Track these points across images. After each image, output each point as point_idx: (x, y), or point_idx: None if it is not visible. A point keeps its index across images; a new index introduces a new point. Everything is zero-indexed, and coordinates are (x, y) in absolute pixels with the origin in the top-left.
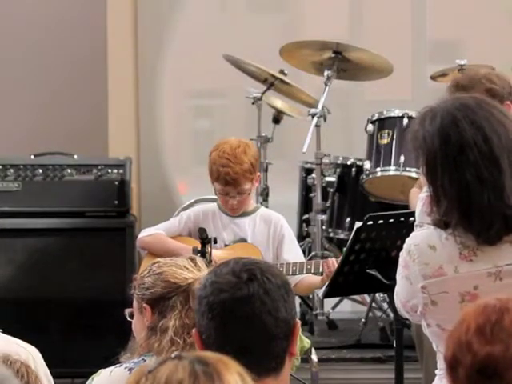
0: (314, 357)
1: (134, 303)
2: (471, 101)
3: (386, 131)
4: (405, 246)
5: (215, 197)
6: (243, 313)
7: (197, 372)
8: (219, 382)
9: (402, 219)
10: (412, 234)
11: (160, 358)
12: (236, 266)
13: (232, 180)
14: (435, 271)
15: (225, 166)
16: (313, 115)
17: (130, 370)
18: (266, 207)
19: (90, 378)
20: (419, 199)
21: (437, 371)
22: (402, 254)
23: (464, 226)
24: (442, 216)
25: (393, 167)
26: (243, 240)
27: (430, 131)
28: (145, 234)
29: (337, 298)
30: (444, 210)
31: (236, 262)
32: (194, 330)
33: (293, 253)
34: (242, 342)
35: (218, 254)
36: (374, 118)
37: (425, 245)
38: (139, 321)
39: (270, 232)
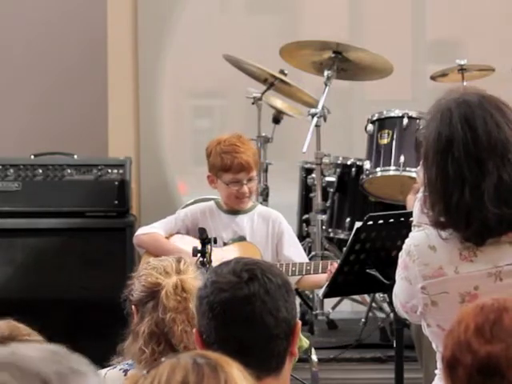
0: (314, 357)
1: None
2: (475, 98)
3: (386, 131)
4: (404, 246)
5: (215, 197)
6: (244, 312)
7: (200, 364)
8: (223, 374)
9: (402, 219)
10: (411, 235)
11: (161, 356)
12: (236, 266)
13: (246, 164)
14: (435, 272)
15: (237, 152)
16: (313, 115)
17: (124, 371)
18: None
19: None
20: (417, 199)
21: (436, 371)
22: (402, 255)
23: (449, 223)
24: (429, 210)
25: (393, 167)
26: (242, 238)
27: (430, 125)
28: (141, 232)
29: (337, 298)
30: (430, 205)
31: (237, 262)
32: (194, 330)
33: (293, 248)
34: (242, 341)
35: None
36: (374, 118)
37: (425, 245)
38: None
39: (269, 229)
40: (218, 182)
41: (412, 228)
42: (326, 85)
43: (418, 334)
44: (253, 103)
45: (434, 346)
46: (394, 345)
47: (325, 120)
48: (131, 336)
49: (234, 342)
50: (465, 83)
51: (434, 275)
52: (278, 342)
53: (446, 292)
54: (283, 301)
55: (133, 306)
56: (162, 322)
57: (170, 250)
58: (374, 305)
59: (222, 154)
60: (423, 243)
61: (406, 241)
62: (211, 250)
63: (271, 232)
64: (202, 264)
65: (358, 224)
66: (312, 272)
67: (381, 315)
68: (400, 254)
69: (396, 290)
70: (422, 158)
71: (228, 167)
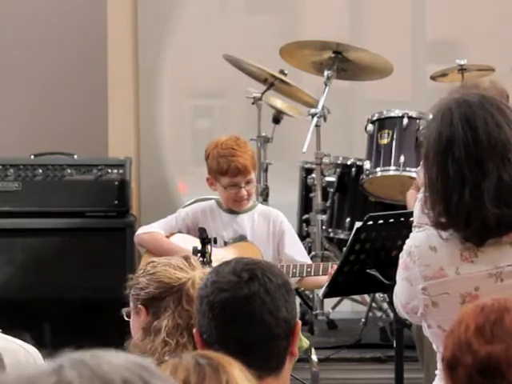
0: (314, 357)
1: (131, 303)
2: (475, 99)
3: (386, 131)
4: (405, 247)
5: (215, 197)
6: (244, 312)
7: (201, 364)
8: (225, 375)
9: (402, 219)
10: (412, 236)
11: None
12: (237, 266)
13: (243, 168)
14: (436, 272)
15: (233, 156)
16: (313, 115)
17: None
18: None
19: None
20: (417, 199)
21: (437, 371)
22: (402, 256)
23: (449, 223)
24: (429, 211)
25: (393, 167)
26: (243, 237)
27: (431, 125)
28: (143, 231)
29: (337, 298)
30: (431, 205)
31: (237, 262)
32: (194, 330)
33: (294, 247)
34: (243, 341)
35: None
36: (374, 118)
37: (425, 246)
38: (135, 321)
39: (270, 228)
40: (217, 184)
41: (412, 228)
42: (326, 85)
43: (419, 335)
44: (253, 103)
45: (434, 346)
46: (394, 345)
47: (325, 120)
48: (142, 333)
49: (234, 342)
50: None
51: (435, 276)
52: (278, 342)
53: (446, 293)
54: (283, 301)
55: (140, 305)
56: (187, 314)
57: (171, 250)
58: (373, 305)
59: (218, 158)
60: (424, 244)
61: (407, 241)
62: (211, 249)
63: (272, 231)
64: (202, 264)
65: (357, 224)
66: (312, 274)
67: (381, 315)
68: (401, 254)
69: (397, 290)
70: (422, 158)
71: (225, 171)
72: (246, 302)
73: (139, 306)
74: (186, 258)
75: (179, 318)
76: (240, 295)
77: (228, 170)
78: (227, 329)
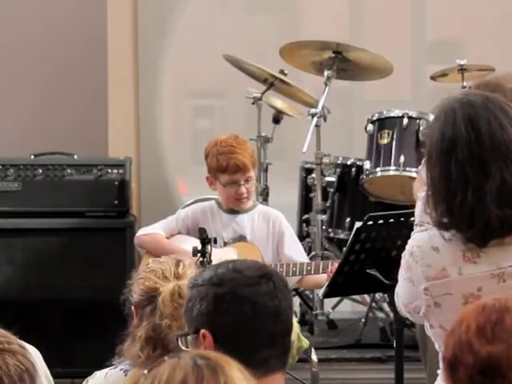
0: (314, 357)
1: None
2: (479, 99)
3: (386, 131)
4: (407, 247)
5: (215, 197)
6: (271, 305)
7: (200, 366)
8: (223, 376)
9: (402, 219)
10: (414, 236)
11: (158, 360)
12: (252, 264)
13: (242, 165)
14: (438, 273)
15: (232, 153)
16: (313, 115)
17: (125, 371)
18: None
19: (85, 381)
20: (419, 198)
21: (438, 371)
22: (405, 256)
23: (452, 224)
24: (432, 211)
25: (393, 167)
26: (242, 237)
27: (434, 125)
28: (142, 233)
29: (337, 298)
30: (433, 205)
31: (246, 261)
32: (203, 331)
33: (294, 248)
34: (266, 335)
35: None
36: (374, 118)
37: (428, 246)
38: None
39: (270, 229)
40: (217, 183)
41: (414, 227)
42: (326, 85)
43: (422, 335)
44: (253, 103)
45: (436, 346)
46: (394, 345)
47: (325, 120)
48: (130, 338)
49: (257, 337)
50: (465, 83)
51: (437, 276)
52: (289, 338)
53: (449, 293)
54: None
55: (132, 307)
56: (159, 328)
57: (171, 251)
58: (374, 305)
59: (218, 156)
60: (426, 244)
61: (409, 241)
62: (211, 250)
63: (272, 231)
64: (202, 264)
65: (357, 224)
66: (312, 272)
67: (381, 315)
68: (403, 254)
69: (398, 290)
70: (424, 158)
71: (224, 168)
72: (273, 296)
73: (132, 307)
74: (178, 264)
75: (152, 330)
76: (266, 289)
77: (227, 168)
78: (251, 323)
